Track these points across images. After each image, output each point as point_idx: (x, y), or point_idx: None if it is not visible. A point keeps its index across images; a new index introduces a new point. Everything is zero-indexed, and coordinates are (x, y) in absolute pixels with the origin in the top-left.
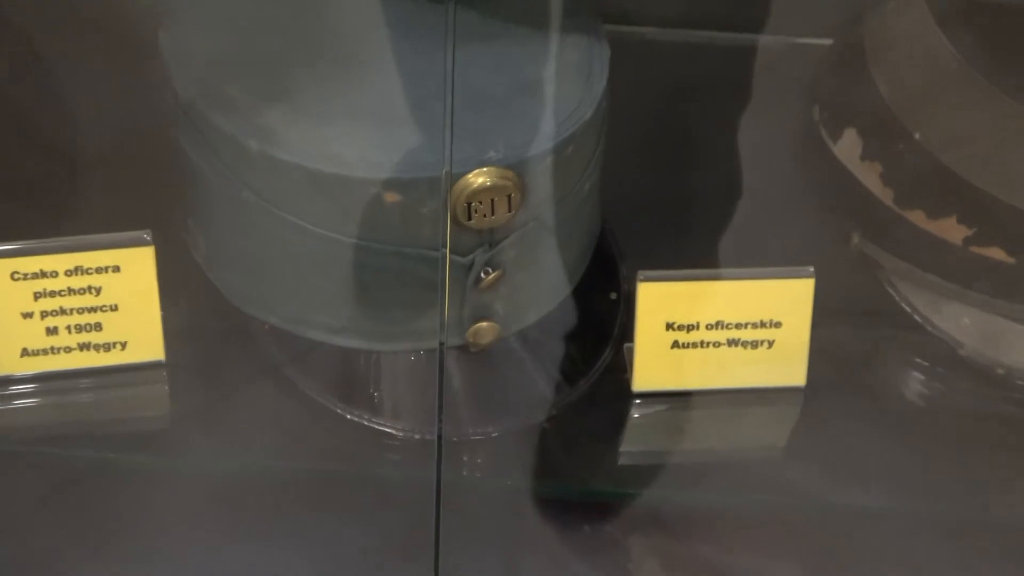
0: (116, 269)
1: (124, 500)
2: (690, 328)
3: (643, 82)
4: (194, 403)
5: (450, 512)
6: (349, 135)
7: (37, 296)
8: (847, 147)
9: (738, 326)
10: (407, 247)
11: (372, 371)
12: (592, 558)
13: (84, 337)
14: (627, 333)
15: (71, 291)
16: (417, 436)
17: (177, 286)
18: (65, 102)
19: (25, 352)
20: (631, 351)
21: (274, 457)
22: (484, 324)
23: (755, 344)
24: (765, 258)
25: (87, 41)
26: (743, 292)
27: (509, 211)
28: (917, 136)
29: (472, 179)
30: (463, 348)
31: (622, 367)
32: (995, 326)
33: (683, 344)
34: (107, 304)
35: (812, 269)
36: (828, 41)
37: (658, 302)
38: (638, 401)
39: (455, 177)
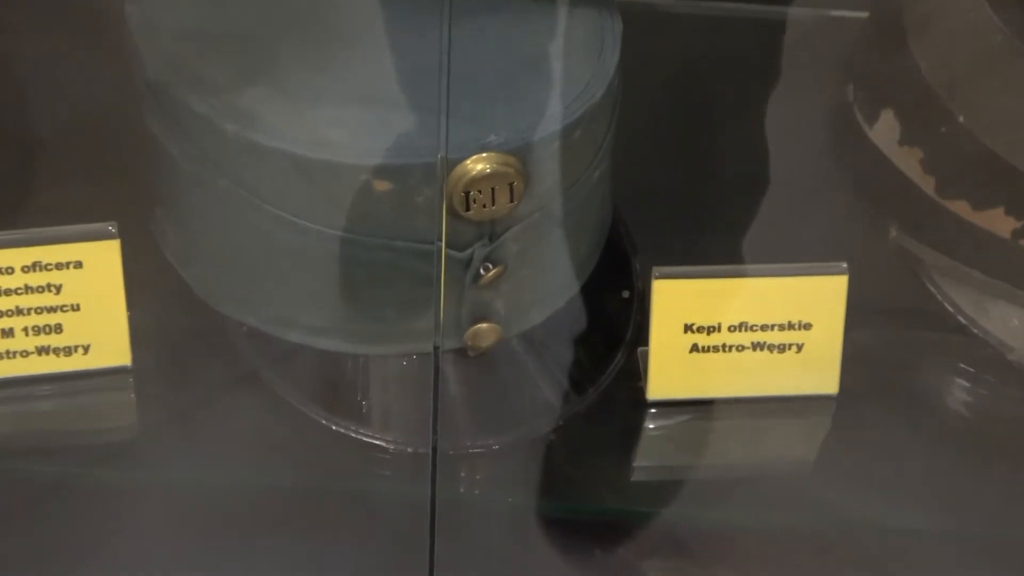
0: (78, 265)
1: (87, 520)
2: (711, 330)
3: (659, 59)
4: (164, 412)
5: (446, 533)
6: (336, 117)
7: None
8: (884, 130)
9: (764, 328)
10: (399, 240)
11: (360, 377)
12: None
13: (43, 340)
14: (641, 336)
15: (29, 289)
16: (409, 449)
17: (145, 283)
18: (20, 81)
19: None
20: (645, 355)
21: (252, 472)
22: (484, 325)
23: (782, 348)
24: (793, 253)
25: (43, 11)
26: (769, 291)
27: (511, 201)
28: (961, 118)
29: (470, 166)
30: (460, 352)
31: (636, 373)
32: None
33: (703, 348)
34: (68, 303)
35: (845, 265)
36: (863, 14)
37: (675, 301)
38: (653, 410)
39: (452, 163)
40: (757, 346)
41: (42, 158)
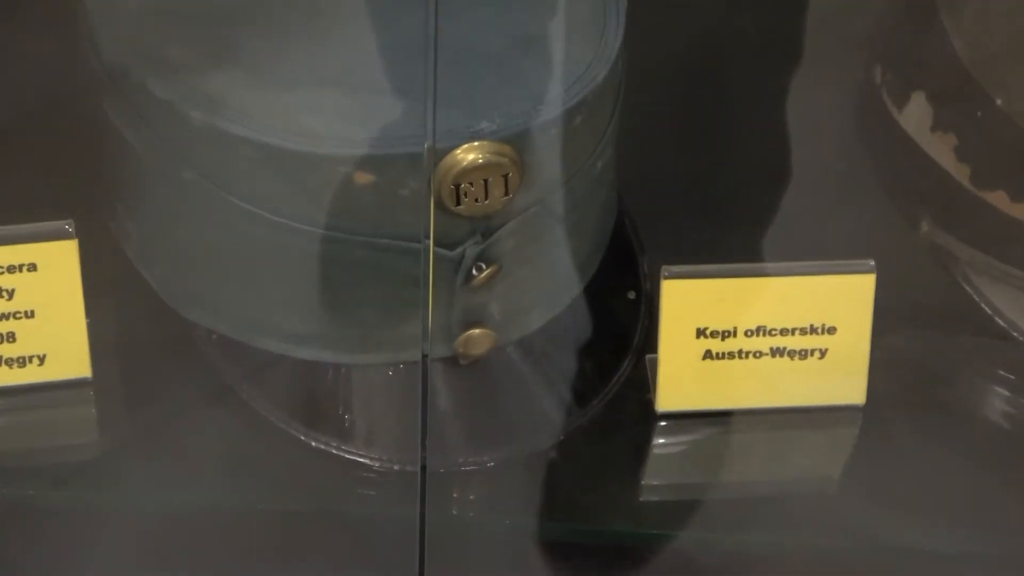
0: (32, 267)
1: (44, 546)
2: (725, 335)
3: (667, 38)
4: (128, 429)
5: (437, 558)
6: (312, 103)
7: None
8: (915, 115)
9: (784, 332)
10: (383, 238)
11: (342, 389)
12: None
13: None
14: (649, 342)
15: None
16: (396, 467)
17: (106, 287)
18: None
19: None
20: (654, 363)
21: (225, 494)
22: (476, 331)
23: (804, 354)
24: (816, 250)
25: None
26: (789, 291)
27: (506, 194)
28: (999, 102)
29: (461, 155)
30: (451, 360)
31: (644, 383)
32: None
33: (717, 354)
34: (22, 310)
35: (873, 263)
36: None
37: (686, 304)
38: (663, 423)
39: (440, 153)
40: (776, 352)
41: None
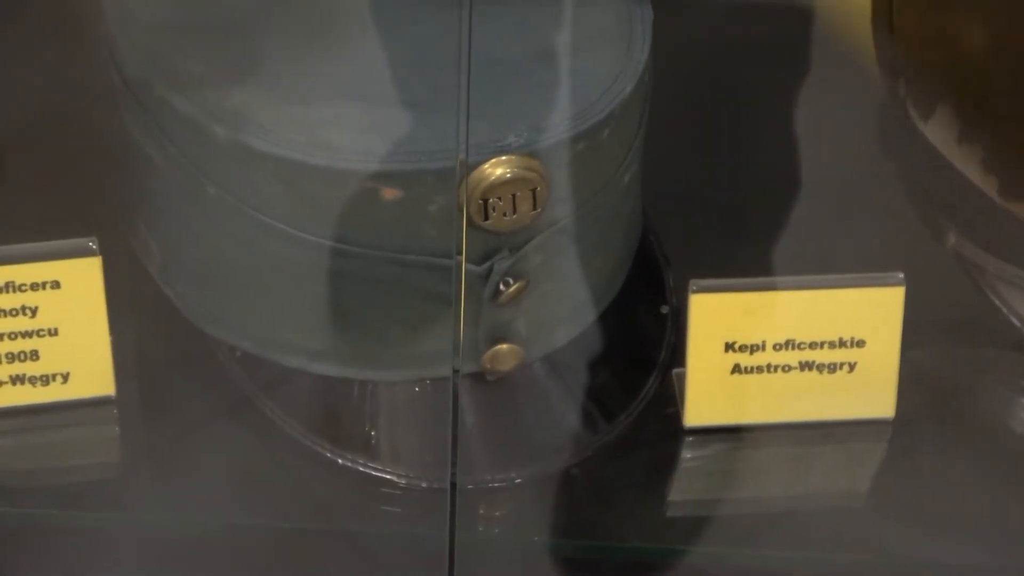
0: (56, 285)
1: (70, 565)
2: (754, 349)
3: (693, 51)
4: (151, 447)
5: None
6: (337, 117)
7: None
8: (940, 127)
9: (812, 346)
10: (409, 254)
11: (368, 406)
12: None
13: (17, 368)
14: (677, 356)
15: (1, 312)
16: (424, 484)
17: (129, 304)
18: None
19: None
20: (682, 378)
21: (249, 512)
22: (504, 347)
23: (833, 368)
24: (844, 263)
25: (10, 2)
26: (818, 305)
27: (534, 208)
28: None
29: (488, 170)
30: (478, 376)
31: (671, 398)
32: None
33: (745, 368)
34: (45, 328)
35: (901, 276)
36: None
37: (715, 318)
38: (690, 439)
39: (468, 168)
40: (805, 366)
41: (10, 166)
